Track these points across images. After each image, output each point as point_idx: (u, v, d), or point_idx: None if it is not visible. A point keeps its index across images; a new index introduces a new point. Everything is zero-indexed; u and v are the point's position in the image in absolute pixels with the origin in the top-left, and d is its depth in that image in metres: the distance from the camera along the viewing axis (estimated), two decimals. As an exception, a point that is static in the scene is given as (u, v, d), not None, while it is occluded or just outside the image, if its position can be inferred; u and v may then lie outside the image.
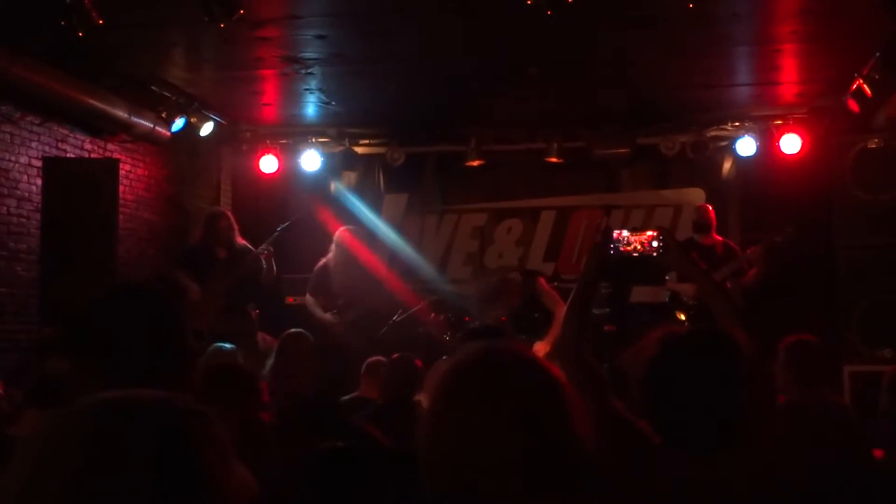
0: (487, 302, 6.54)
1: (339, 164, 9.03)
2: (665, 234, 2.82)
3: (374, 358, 5.16)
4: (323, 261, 7.40)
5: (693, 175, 8.84)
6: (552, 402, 1.41)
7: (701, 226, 7.53)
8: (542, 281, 6.68)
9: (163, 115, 7.45)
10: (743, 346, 2.02)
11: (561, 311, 5.99)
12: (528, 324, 6.42)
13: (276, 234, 7.15)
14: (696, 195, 8.75)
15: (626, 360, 2.74)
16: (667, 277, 7.28)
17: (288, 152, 9.06)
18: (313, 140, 9.04)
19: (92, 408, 1.01)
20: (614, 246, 2.81)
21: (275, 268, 7.16)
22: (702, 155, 8.47)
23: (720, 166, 8.76)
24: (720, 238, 7.58)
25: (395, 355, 4.78)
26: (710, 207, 7.68)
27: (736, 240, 7.83)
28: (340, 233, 7.44)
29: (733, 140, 8.46)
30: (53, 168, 6.54)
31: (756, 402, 1.98)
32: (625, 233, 2.83)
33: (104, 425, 0.99)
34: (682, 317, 7.18)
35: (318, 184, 9.18)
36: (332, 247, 7.38)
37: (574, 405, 1.42)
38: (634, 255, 2.81)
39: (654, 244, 2.80)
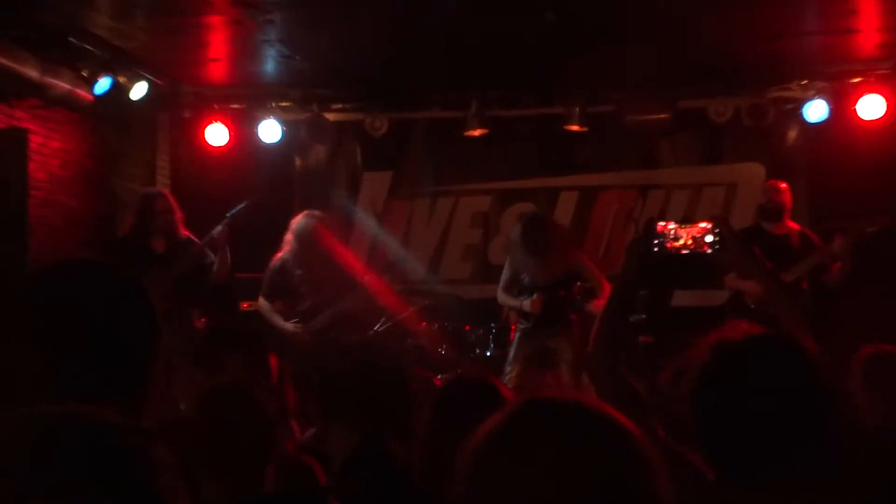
0: (526, 246, 7.01)
1: (305, 135, 9.05)
2: (721, 226, 2.87)
3: None
4: (279, 256, 7.31)
5: (750, 147, 8.88)
6: (638, 473, 1.43)
7: (770, 211, 7.38)
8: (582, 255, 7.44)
9: (84, 74, 7.43)
10: (815, 355, 2.03)
11: (605, 284, 6.79)
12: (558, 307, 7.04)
13: (227, 218, 7.13)
14: (754, 172, 8.78)
15: (668, 376, 2.76)
16: (731, 275, 7.18)
17: (241, 120, 9.07)
18: (273, 105, 9.06)
19: (26, 424, 1.09)
20: (659, 242, 2.84)
21: (229, 260, 7.15)
22: (761, 122, 8.50)
23: (784, 136, 8.78)
24: (796, 226, 7.43)
25: None
26: (785, 186, 7.47)
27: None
28: (303, 220, 7.30)
29: (800, 103, 8.49)
30: (-54, 141, 6.54)
31: (833, 425, 2.00)
32: (671, 225, 2.87)
33: (40, 443, 1.06)
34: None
35: (279, 159, 9.18)
36: (291, 237, 7.26)
37: (661, 473, 1.44)
38: (684, 251, 2.85)
39: (708, 238, 2.84)
